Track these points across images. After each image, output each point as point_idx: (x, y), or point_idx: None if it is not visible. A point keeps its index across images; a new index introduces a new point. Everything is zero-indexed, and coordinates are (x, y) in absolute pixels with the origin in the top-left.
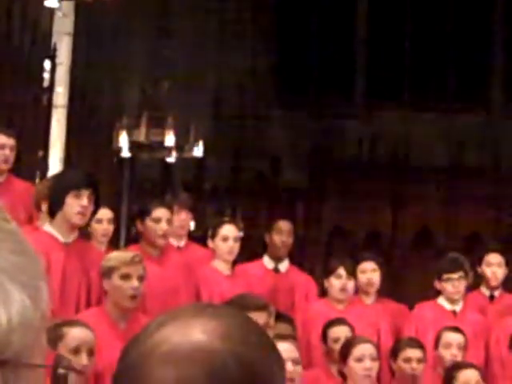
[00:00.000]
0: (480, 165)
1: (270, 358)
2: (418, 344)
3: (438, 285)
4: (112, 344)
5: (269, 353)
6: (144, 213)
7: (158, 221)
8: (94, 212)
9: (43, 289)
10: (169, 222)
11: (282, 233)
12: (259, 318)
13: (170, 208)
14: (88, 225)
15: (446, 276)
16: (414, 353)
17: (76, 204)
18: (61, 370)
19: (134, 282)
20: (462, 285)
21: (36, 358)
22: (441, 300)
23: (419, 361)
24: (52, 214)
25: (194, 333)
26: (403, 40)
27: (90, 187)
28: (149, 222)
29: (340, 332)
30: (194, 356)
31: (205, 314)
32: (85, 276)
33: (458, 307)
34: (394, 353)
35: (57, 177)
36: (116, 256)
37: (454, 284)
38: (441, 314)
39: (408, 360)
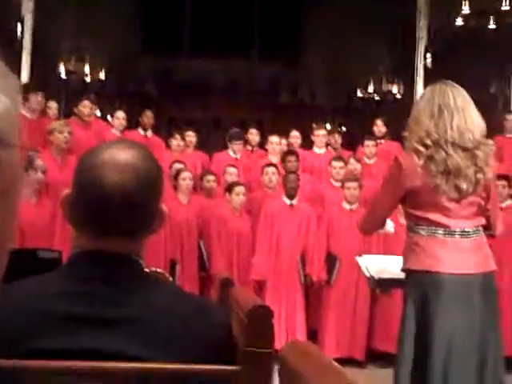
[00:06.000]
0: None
1: (157, 167)
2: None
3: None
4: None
5: (157, 165)
6: None
7: None
8: None
9: (18, 99)
10: None
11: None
12: None
13: None
14: None
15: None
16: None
17: None
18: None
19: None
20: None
21: (15, 140)
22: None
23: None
24: None
25: (129, 156)
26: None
27: None
28: None
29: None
30: (129, 168)
31: (132, 147)
32: None
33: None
34: None
35: None
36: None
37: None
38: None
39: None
